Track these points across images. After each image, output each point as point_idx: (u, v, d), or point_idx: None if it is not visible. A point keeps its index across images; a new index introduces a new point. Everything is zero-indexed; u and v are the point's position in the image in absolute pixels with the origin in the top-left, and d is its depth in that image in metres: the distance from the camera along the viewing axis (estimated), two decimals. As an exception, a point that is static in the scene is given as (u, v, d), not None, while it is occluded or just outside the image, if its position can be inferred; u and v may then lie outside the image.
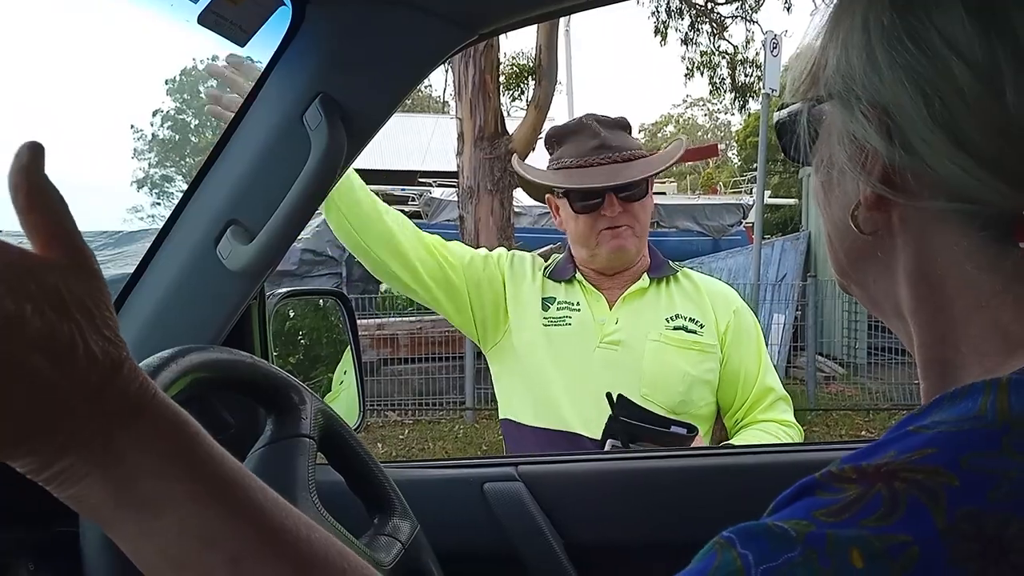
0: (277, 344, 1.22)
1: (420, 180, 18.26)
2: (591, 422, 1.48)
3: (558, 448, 1.52)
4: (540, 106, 10.76)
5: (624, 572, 1.17)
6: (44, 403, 0.39)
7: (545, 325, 1.63)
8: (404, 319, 7.55)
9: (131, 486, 0.41)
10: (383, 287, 9.93)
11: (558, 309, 1.65)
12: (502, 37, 12.30)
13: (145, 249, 1.04)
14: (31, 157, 0.42)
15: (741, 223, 17.04)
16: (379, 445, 5.97)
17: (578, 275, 1.69)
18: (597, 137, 1.63)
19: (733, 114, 48.44)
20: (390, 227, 1.58)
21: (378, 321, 7.36)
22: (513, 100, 12.52)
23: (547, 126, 10.84)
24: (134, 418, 0.41)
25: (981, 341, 0.49)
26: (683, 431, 1.37)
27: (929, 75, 0.48)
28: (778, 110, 0.61)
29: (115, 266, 9.33)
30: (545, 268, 1.73)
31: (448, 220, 14.43)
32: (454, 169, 13.23)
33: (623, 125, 1.69)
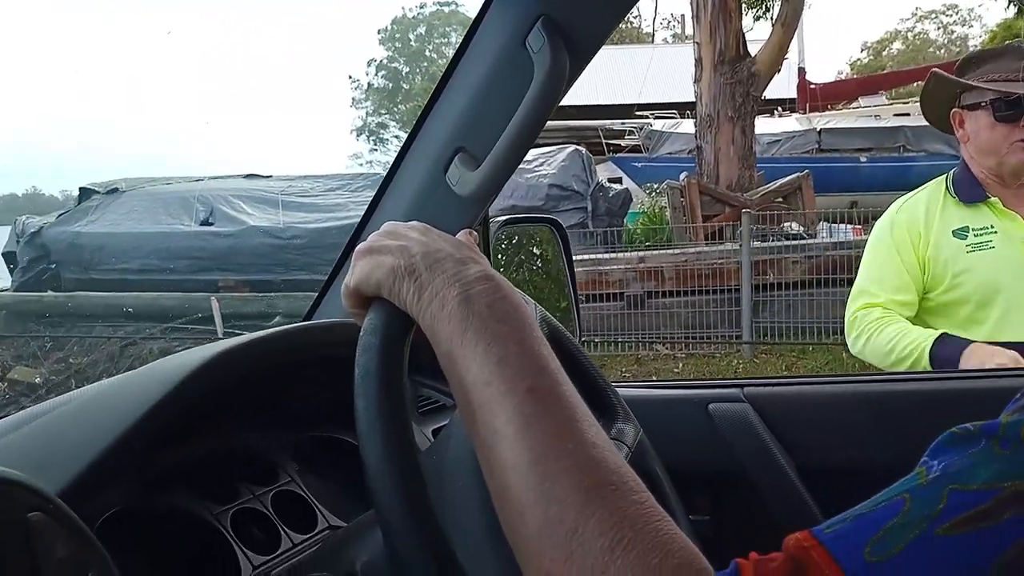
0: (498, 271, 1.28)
1: (637, 113, 17.84)
2: None
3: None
4: (787, 23, 10.03)
5: (857, 495, 1.12)
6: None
7: (969, 252, 1.77)
8: (667, 251, 7.41)
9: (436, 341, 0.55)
10: (627, 221, 9.83)
11: (975, 236, 1.79)
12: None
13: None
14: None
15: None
16: (655, 379, 5.89)
17: (990, 199, 1.81)
18: None
19: (971, 26, 43.27)
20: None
21: (640, 254, 7.26)
22: (757, 19, 11.79)
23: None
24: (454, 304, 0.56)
25: None
26: None
27: None
28: None
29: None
30: (945, 192, 1.86)
31: (670, 153, 14.00)
32: (672, 100, 12.64)
33: None
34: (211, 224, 9.35)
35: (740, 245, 6.64)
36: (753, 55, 10.05)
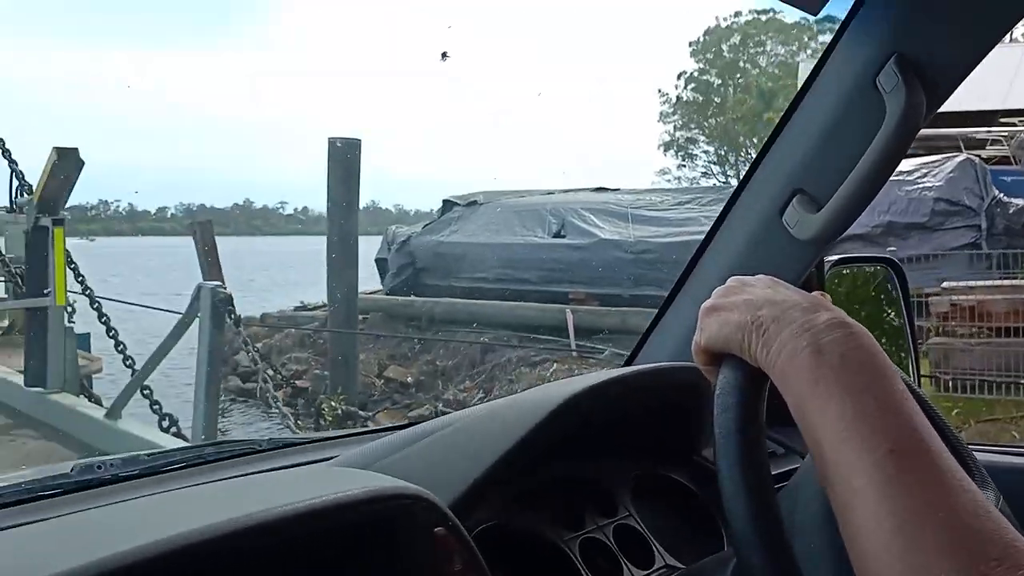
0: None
1: (1002, 120, 15.67)
2: None
3: None
4: None
5: None
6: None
7: None
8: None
9: (786, 388, 0.54)
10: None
11: None
12: None
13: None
14: None
15: None
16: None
17: None
18: None
19: None
20: None
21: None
22: None
23: None
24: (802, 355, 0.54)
25: None
26: None
27: None
28: None
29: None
30: None
31: (1053, 168, 11.97)
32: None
33: None
34: (563, 236, 9.59)
35: None
36: None
